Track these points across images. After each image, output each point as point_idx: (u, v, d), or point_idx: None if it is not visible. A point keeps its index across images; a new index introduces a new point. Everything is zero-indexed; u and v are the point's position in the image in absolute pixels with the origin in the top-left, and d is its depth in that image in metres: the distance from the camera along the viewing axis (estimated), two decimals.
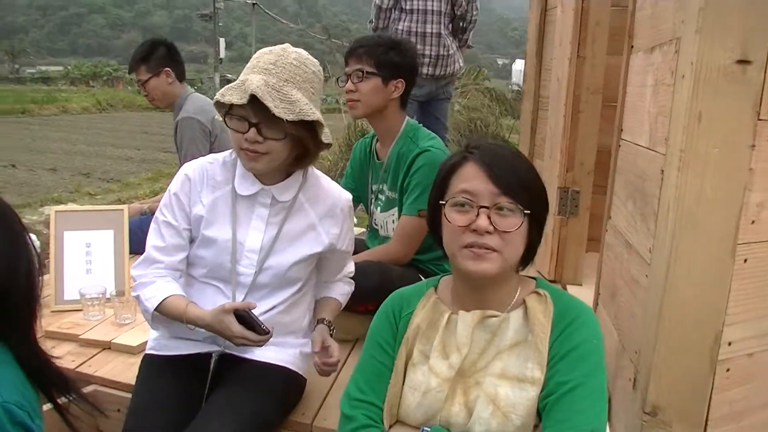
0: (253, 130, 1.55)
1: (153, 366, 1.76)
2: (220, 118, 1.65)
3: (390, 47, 2.34)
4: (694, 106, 1.19)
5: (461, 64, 4.27)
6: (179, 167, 1.90)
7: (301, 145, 1.61)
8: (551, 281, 3.03)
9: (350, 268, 1.98)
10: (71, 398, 1.06)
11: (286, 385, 1.78)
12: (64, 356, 2.20)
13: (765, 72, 1.16)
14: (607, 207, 2.01)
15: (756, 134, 1.19)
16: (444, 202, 1.27)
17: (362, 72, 2.34)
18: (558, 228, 2.96)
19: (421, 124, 2.53)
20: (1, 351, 0.97)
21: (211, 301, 1.68)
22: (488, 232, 1.20)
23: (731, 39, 1.15)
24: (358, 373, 1.38)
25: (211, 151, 3.02)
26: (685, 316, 1.31)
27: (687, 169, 1.23)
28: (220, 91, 1.56)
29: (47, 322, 2.45)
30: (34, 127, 20.91)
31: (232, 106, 1.55)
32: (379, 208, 2.56)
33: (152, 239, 1.73)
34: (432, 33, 4.05)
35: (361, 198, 2.72)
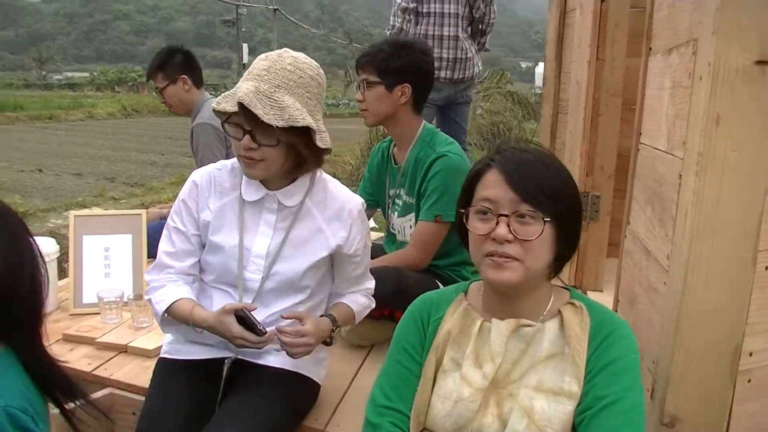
0: (247, 137, 1.56)
1: (167, 370, 1.77)
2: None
3: (391, 53, 2.31)
4: (711, 108, 1.16)
5: (480, 68, 4.24)
6: None
7: (294, 150, 1.60)
8: (571, 287, 2.99)
9: (368, 284, 1.91)
10: (77, 402, 1.06)
11: (300, 391, 1.77)
12: (81, 359, 2.22)
13: None
14: (626, 212, 1.97)
15: None
16: (464, 211, 1.25)
17: (366, 81, 2.34)
18: None
19: (439, 129, 2.51)
20: (7, 355, 0.97)
21: (220, 306, 1.68)
22: (508, 241, 1.17)
23: (749, 39, 1.12)
24: (384, 379, 1.34)
25: (227, 157, 3.03)
26: (704, 325, 1.27)
27: (705, 173, 1.20)
28: (216, 99, 1.58)
29: (66, 325, 2.48)
30: (61, 133, 21.25)
31: (230, 114, 1.56)
32: (396, 213, 2.55)
33: (163, 245, 1.76)
34: (449, 36, 4.01)
35: (378, 203, 2.71)
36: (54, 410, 1.08)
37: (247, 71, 1.59)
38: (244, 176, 1.71)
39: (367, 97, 2.36)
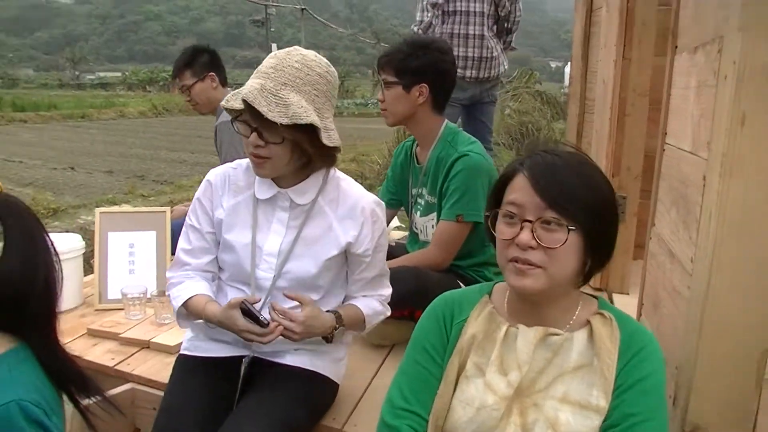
0: (254, 134, 1.56)
1: (186, 366, 1.78)
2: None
3: (409, 53, 2.30)
4: (736, 108, 1.13)
5: (506, 67, 4.20)
6: None
7: (300, 148, 1.59)
8: (596, 290, 2.95)
9: (384, 291, 1.86)
10: (91, 397, 1.07)
11: (318, 391, 1.77)
12: (105, 354, 2.25)
13: None
14: (651, 214, 1.94)
15: None
16: (488, 214, 1.23)
17: (385, 81, 2.34)
18: None
19: (461, 128, 2.49)
20: (22, 350, 0.99)
21: None
22: (531, 247, 1.14)
23: None
24: (402, 379, 1.31)
25: None
26: (728, 330, 1.24)
27: (729, 175, 1.17)
28: (227, 97, 1.58)
29: (90, 320, 2.51)
30: (93, 131, 21.62)
31: (240, 112, 1.56)
32: (418, 213, 2.54)
33: (181, 242, 1.79)
34: (474, 35, 3.98)
35: (402, 202, 2.70)
36: (69, 405, 1.09)
37: (256, 69, 1.60)
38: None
39: (387, 97, 2.35)
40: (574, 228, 1.13)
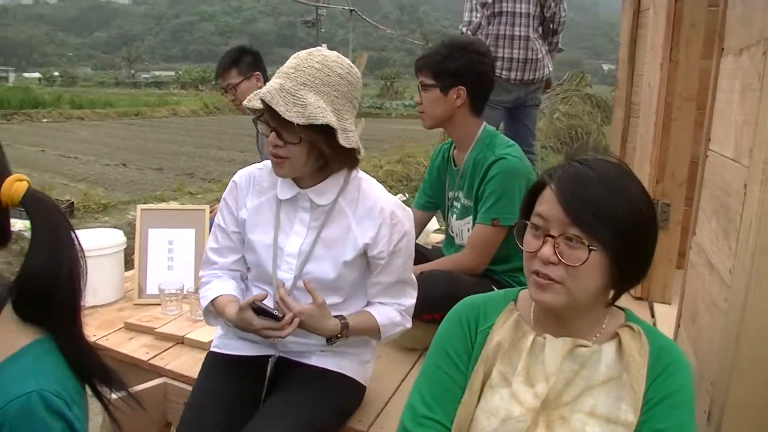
0: (273, 133, 1.56)
1: (214, 364, 1.80)
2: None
3: (446, 55, 2.26)
4: None
5: (550, 69, 4.12)
6: None
7: (317, 149, 1.58)
8: (637, 299, 2.88)
9: (405, 301, 1.78)
10: (113, 389, 1.08)
11: (344, 393, 1.76)
12: (140, 348, 2.28)
13: None
14: (693, 222, 1.87)
15: None
16: (515, 224, 1.21)
17: (423, 84, 2.32)
18: None
19: (506, 131, 2.45)
20: (47, 342, 1.00)
21: None
22: (552, 263, 1.11)
23: None
24: (424, 385, 1.27)
25: None
26: (765, 345, 1.18)
27: None
28: (249, 96, 1.59)
29: (129, 314, 2.56)
30: (146, 129, 22.16)
31: (262, 112, 1.57)
32: (454, 216, 2.51)
33: (209, 241, 1.83)
34: (520, 36, 3.92)
35: (438, 205, 2.68)
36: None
37: (279, 69, 1.60)
38: None
39: (424, 99, 2.33)
40: (595, 249, 1.08)
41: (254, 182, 1.77)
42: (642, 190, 1.15)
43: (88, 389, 1.08)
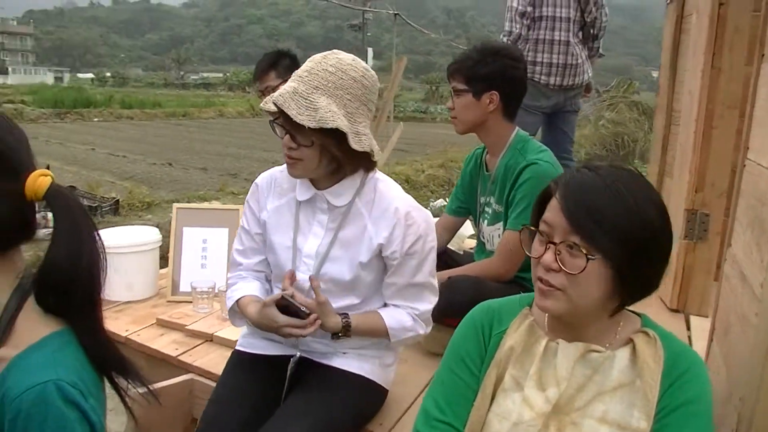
0: (287, 136, 1.58)
1: (238, 362, 1.82)
2: None
3: (478, 60, 2.25)
4: None
5: (590, 74, 4.05)
6: None
7: (329, 152, 1.58)
8: (673, 310, 2.80)
9: (419, 305, 1.75)
10: (131, 383, 1.10)
11: (364, 395, 1.76)
12: (170, 344, 2.33)
13: None
14: (728, 233, 1.82)
15: None
16: (519, 229, 1.21)
17: (455, 89, 2.31)
18: (684, 253, 2.73)
19: (532, 137, 2.42)
20: (66, 334, 1.03)
21: None
22: (554, 270, 1.11)
23: None
24: (438, 388, 1.29)
25: None
26: None
27: None
28: (265, 99, 1.59)
29: (161, 310, 2.61)
30: (192, 129, 22.57)
31: (278, 114, 1.58)
32: (485, 222, 2.49)
33: (235, 243, 1.87)
34: (560, 41, 3.86)
35: (470, 210, 2.66)
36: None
37: (295, 72, 1.61)
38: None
39: (456, 105, 2.32)
40: (593, 257, 1.07)
41: (275, 184, 1.79)
42: (654, 200, 1.12)
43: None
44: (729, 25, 2.44)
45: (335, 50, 1.65)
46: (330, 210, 1.70)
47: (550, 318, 1.24)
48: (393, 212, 1.66)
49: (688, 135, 2.65)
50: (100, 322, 1.09)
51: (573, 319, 1.17)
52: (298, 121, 1.50)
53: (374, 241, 1.67)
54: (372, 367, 1.77)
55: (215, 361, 2.19)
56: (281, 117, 1.57)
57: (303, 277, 1.70)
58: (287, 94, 1.53)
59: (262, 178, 1.83)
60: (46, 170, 1.03)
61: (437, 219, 2.90)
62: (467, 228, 3.27)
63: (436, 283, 1.80)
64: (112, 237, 2.72)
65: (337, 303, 1.70)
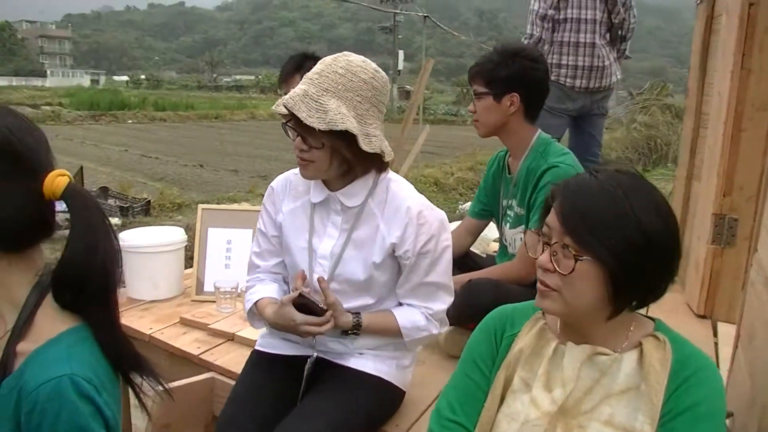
0: (299, 138, 1.59)
1: (257, 361, 1.84)
2: None
3: (498, 62, 2.23)
4: None
5: (619, 77, 3.99)
6: None
7: (339, 154, 1.59)
8: (700, 316, 2.76)
9: (433, 305, 1.75)
10: (144, 379, 1.12)
11: (380, 396, 1.76)
12: (192, 342, 2.35)
13: None
14: (755, 238, 1.78)
15: None
16: (524, 231, 1.21)
17: (476, 92, 2.30)
18: (711, 258, 2.68)
19: (554, 140, 2.40)
20: (83, 330, 1.05)
21: None
22: (549, 270, 1.13)
23: None
24: (451, 390, 1.32)
25: None
26: None
27: None
28: (277, 102, 1.60)
29: (185, 309, 2.64)
30: (224, 131, 22.84)
31: (290, 117, 1.59)
32: (508, 225, 2.47)
33: (252, 246, 1.89)
34: (586, 43, 3.81)
35: (492, 213, 2.65)
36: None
37: (305, 74, 1.62)
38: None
39: (478, 108, 2.32)
40: (582, 258, 1.09)
41: (290, 187, 1.81)
42: (656, 205, 1.11)
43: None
44: (759, 26, 2.39)
45: (346, 52, 1.66)
46: (343, 211, 1.71)
47: (562, 322, 1.25)
48: (405, 212, 1.67)
49: (717, 137, 2.60)
50: (115, 319, 1.11)
51: (572, 321, 1.19)
52: (308, 123, 1.51)
53: (387, 241, 1.67)
54: (389, 369, 1.77)
55: (236, 360, 2.21)
56: (292, 119, 1.58)
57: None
58: (297, 96, 1.54)
59: (278, 182, 1.85)
60: (64, 170, 1.05)
61: (460, 222, 2.89)
62: (492, 231, 3.25)
63: (451, 283, 1.80)
64: (138, 237, 2.76)
65: (352, 303, 1.71)
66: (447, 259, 1.74)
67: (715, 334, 2.61)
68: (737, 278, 2.66)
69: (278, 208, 1.81)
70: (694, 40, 3.19)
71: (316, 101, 1.53)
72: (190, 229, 3.43)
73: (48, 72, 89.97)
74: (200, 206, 2.91)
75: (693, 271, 2.86)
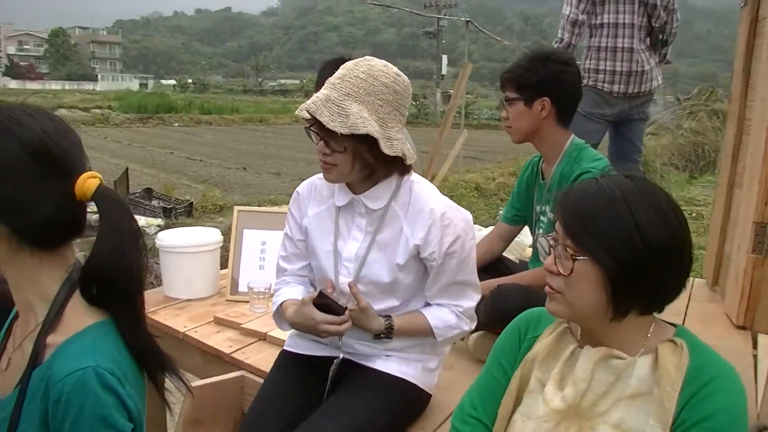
0: (322, 142, 1.61)
1: (285, 361, 1.88)
2: None
3: (528, 67, 2.23)
4: None
5: (660, 82, 3.91)
6: None
7: (362, 157, 1.60)
8: (739, 327, 2.69)
9: (463, 302, 1.77)
10: (166, 373, 1.16)
11: (404, 398, 1.77)
12: (224, 341, 2.40)
13: None
14: None
15: None
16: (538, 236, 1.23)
17: (507, 99, 2.30)
18: (752, 268, 2.61)
19: (589, 145, 2.37)
20: (108, 325, 1.09)
21: None
22: (553, 272, 1.17)
23: None
24: (475, 387, 1.37)
25: None
26: None
27: None
28: (300, 106, 1.63)
29: (220, 309, 2.69)
30: (268, 135, 23.13)
31: (313, 121, 1.61)
32: (541, 230, 2.46)
33: (279, 249, 1.93)
34: (623, 48, 3.75)
35: (526, 218, 2.63)
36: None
37: (328, 79, 1.64)
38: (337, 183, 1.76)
39: (510, 114, 2.31)
40: (579, 259, 1.11)
41: (315, 191, 1.84)
42: (655, 209, 1.11)
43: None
44: None
45: (368, 57, 1.68)
46: (368, 213, 1.73)
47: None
48: (428, 213, 1.68)
49: (759, 144, 2.54)
50: (141, 316, 1.15)
51: (577, 323, 1.22)
52: (330, 127, 1.53)
53: (410, 243, 1.69)
54: (414, 371, 1.78)
55: (266, 359, 2.24)
56: (315, 124, 1.60)
57: (345, 281, 1.73)
58: (320, 101, 1.56)
59: (303, 186, 1.88)
60: (95, 173, 1.09)
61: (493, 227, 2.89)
62: (528, 237, 3.23)
63: (477, 280, 1.82)
64: (175, 237, 2.83)
65: (378, 305, 1.73)
66: (473, 257, 1.76)
67: (755, 346, 2.54)
68: None
69: (304, 212, 1.84)
70: (738, 44, 3.11)
71: (338, 105, 1.55)
72: (229, 231, 3.49)
73: (99, 76, 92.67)
74: (236, 208, 2.97)
75: (733, 281, 2.80)
